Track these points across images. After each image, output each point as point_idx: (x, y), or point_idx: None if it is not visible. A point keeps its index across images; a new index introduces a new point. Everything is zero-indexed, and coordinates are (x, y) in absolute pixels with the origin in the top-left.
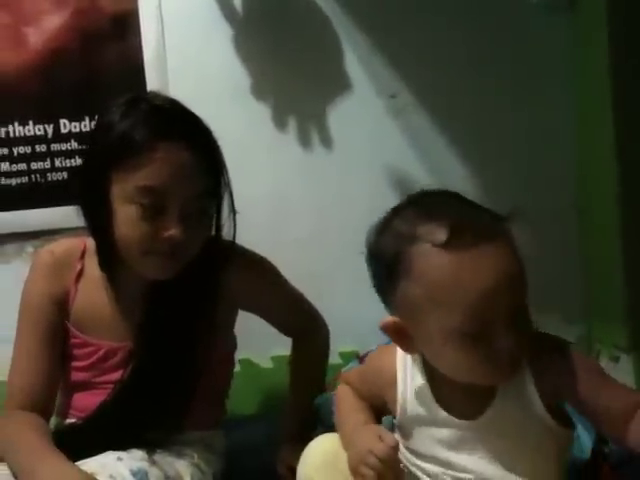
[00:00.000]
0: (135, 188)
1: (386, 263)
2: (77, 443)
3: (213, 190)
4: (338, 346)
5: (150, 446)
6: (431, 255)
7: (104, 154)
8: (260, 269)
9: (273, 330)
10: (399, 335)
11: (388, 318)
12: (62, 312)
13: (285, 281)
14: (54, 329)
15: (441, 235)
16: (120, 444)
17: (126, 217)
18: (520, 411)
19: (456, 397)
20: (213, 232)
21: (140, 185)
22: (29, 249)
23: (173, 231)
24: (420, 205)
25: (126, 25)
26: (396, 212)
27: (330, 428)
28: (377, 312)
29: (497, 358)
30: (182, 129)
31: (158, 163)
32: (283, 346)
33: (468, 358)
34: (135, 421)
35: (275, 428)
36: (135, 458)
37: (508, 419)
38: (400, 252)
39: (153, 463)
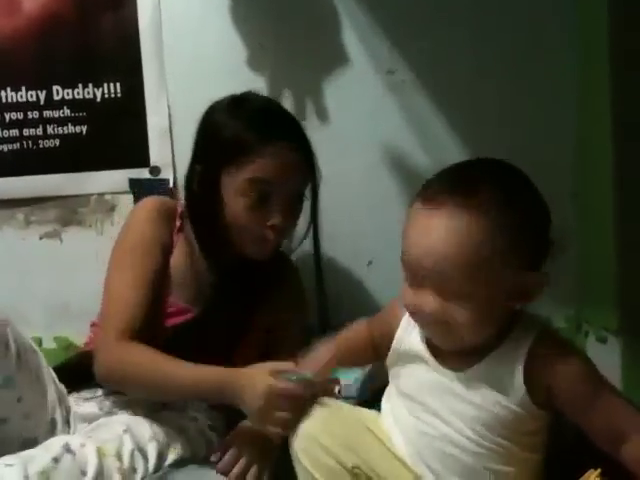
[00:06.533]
0: (245, 181)
1: None
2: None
3: (306, 187)
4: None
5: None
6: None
7: (216, 153)
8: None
9: None
10: None
11: None
12: (165, 260)
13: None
14: (160, 270)
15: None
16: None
17: (237, 207)
18: (500, 383)
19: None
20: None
21: (250, 177)
22: (20, 216)
23: (276, 220)
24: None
25: None
26: None
27: None
28: (375, 289)
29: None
30: (286, 129)
31: (267, 159)
32: None
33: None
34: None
35: None
36: (138, 435)
37: (486, 383)
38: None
39: (153, 438)
